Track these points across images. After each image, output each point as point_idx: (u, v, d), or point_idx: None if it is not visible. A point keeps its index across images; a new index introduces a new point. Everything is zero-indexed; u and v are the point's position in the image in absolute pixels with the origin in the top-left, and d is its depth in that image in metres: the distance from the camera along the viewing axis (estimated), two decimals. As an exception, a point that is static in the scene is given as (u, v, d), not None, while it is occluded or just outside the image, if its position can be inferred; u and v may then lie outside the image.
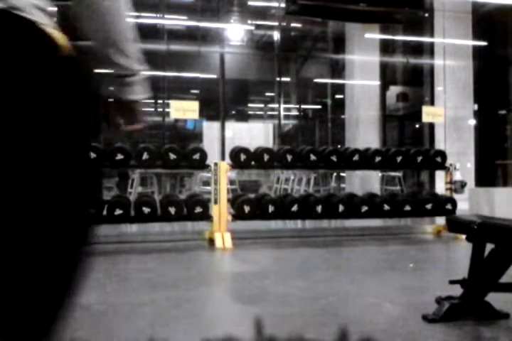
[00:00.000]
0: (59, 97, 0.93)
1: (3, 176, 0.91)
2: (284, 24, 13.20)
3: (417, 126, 13.86)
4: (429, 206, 5.98)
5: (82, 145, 1.04)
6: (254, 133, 13.38)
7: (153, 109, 16.02)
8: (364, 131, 11.10)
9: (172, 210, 5.29)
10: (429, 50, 11.28)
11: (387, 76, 13.30)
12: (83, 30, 1.07)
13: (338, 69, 13.85)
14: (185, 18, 13.10)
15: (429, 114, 7.00)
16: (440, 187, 7.56)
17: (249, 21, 13.58)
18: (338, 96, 13.97)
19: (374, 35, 11.16)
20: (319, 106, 16.35)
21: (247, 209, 5.46)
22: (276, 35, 13.04)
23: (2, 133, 0.88)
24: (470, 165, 10.35)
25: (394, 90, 14.00)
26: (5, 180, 0.90)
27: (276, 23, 12.90)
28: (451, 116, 9.93)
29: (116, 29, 1.08)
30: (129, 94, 1.16)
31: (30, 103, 0.85)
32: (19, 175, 0.91)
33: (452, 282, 2.67)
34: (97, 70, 1.10)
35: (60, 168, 0.97)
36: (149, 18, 13.13)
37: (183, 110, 5.64)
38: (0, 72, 0.83)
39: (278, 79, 13.18)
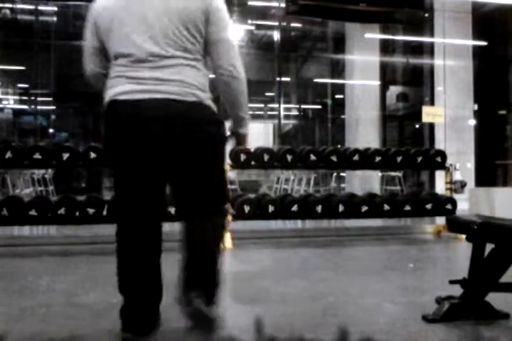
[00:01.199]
0: (220, 129, 2.26)
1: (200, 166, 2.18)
2: (284, 24, 13.21)
3: (417, 126, 13.86)
4: (429, 206, 5.98)
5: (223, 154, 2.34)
6: (254, 133, 13.38)
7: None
8: (364, 131, 11.11)
9: (172, 210, 5.28)
10: (429, 50, 11.28)
11: (387, 76, 13.30)
12: (224, 103, 2.31)
13: (338, 69, 13.86)
14: (185, 18, 13.08)
15: (429, 114, 7.01)
16: (440, 187, 7.57)
17: (249, 21, 13.57)
18: (338, 96, 13.97)
19: (374, 35, 11.17)
20: (319, 106, 16.34)
21: (247, 209, 5.46)
22: (276, 35, 13.04)
23: (204, 150, 2.18)
24: (470, 165, 10.36)
25: (394, 90, 14.00)
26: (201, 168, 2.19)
27: (276, 23, 12.90)
28: (451, 116, 9.93)
29: (241, 101, 2.29)
30: (242, 130, 2.39)
31: (214, 134, 2.22)
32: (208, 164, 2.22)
33: (452, 282, 2.67)
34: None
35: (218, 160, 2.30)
36: (149, 18, 13.13)
37: (183, 110, 5.65)
38: (203, 124, 2.15)
39: (278, 79, 13.19)
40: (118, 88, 2.09)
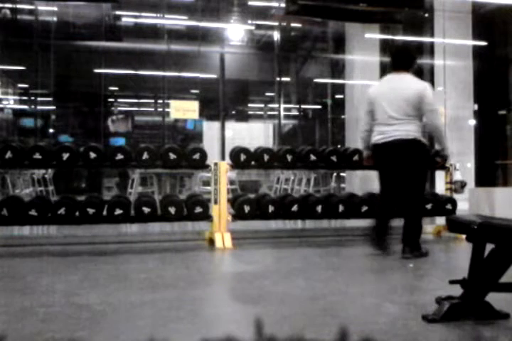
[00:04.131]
0: (424, 151, 4.68)
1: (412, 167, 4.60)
2: (284, 24, 13.21)
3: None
4: (429, 206, 5.98)
5: (427, 162, 4.87)
6: (254, 133, 13.39)
7: (153, 109, 16.02)
8: (364, 131, 11.06)
9: (172, 210, 5.28)
10: (429, 50, 11.28)
11: (387, 76, 13.25)
12: (434, 138, 4.89)
13: (338, 69, 13.85)
14: (185, 18, 13.10)
15: (429, 114, 6.98)
16: (440, 187, 7.56)
17: (249, 21, 13.58)
18: (338, 96, 13.97)
19: (374, 35, 11.16)
20: (319, 106, 16.34)
21: (247, 209, 5.46)
22: (276, 35, 13.05)
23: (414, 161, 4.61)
24: (470, 165, 10.35)
25: (394, 90, 13.95)
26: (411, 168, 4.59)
27: (276, 23, 12.90)
28: (451, 116, 9.93)
29: (440, 138, 4.69)
30: (444, 153, 4.79)
31: (422, 152, 4.67)
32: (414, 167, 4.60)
33: (452, 282, 2.67)
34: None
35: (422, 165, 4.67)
36: (149, 18, 13.14)
37: (183, 110, 5.64)
38: (417, 150, 4.59)
39: (278, 79, 13.18)
40: (375, 138, 4.58)
